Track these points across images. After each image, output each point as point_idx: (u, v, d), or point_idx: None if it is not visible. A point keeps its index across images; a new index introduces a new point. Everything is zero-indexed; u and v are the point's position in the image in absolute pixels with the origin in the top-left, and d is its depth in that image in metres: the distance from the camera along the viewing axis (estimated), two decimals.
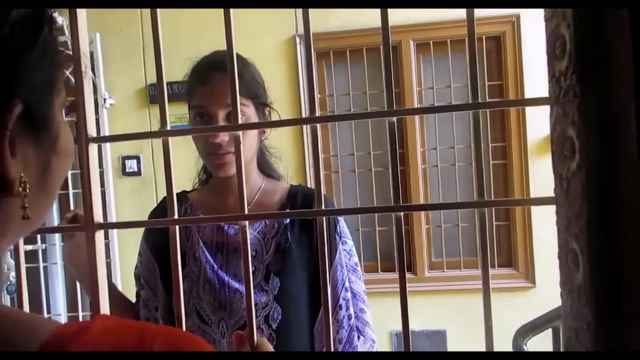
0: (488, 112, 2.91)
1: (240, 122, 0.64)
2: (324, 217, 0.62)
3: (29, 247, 2.73)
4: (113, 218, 2.81)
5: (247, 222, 0.63)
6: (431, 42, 2.85)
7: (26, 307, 0.68)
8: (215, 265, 1.06)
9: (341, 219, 1.13)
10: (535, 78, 2.76)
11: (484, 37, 2.81)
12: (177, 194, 1.19)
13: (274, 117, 1.16)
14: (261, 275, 1.05)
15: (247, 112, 1.05)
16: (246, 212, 0.64)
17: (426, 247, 2.92)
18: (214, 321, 1.04)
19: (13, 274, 2.82)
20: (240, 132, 0.64)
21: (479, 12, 2.71)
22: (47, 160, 0.43)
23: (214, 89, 1.03)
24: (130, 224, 0.68)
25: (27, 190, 0.41)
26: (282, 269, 1.05)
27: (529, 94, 2.75)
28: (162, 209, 1.16)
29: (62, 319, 2.88)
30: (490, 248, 2.91)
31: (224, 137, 1.01)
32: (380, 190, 2.94)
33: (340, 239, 1.11)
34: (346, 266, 1.10)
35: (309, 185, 2.82)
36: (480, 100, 0.56)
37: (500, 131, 2.86)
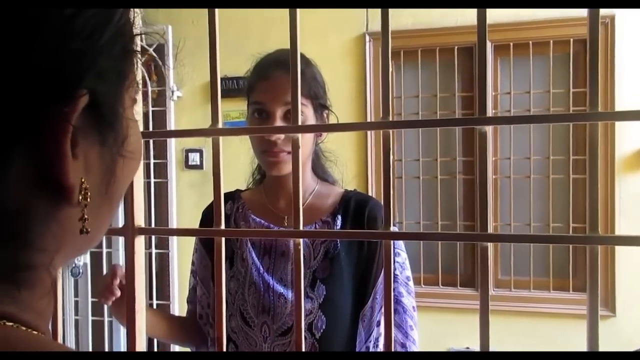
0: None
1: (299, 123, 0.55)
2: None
3: (93, 249, 2.79)
4: (174, 210, 2.83)
5: (301, 240, 0.55)
6: (511, 44, 2.64)
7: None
8: (261, 268, 1.05)
9: (395, 227, 1.07)
10: (629, 86, 2.49)
11: (571, 39, 2.57)
12: (230, 192, 1.17)
13: (332, 121, 1.12)
14: (307, 282, 1.02)
15: (305, 112, 1.03)
16: (301, 226, 0.55)
17: (492, 263, 2.72)
18: (257, 324, 1.02)
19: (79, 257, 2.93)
20: (299, 135, 0.55)
21: (566, 12, 2.51)
22: (113, 164, 0.36)
23: (274, 85, 1.01)
24: (174, 231, 0.62)
25: (88, 200, 0.34)
26: (329, 276, 1.01)
27: (619, 104, 2.49)
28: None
29: None
30: (563, 269, 2.67)
31: (279, 134, 0.99)
32: (446, 200, 2.77)
33: (394, 251, 1.04)
34: (396, 279, 1.04)
35: (369, 192, 2.72)
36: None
37: (583, 141, 2.60)
